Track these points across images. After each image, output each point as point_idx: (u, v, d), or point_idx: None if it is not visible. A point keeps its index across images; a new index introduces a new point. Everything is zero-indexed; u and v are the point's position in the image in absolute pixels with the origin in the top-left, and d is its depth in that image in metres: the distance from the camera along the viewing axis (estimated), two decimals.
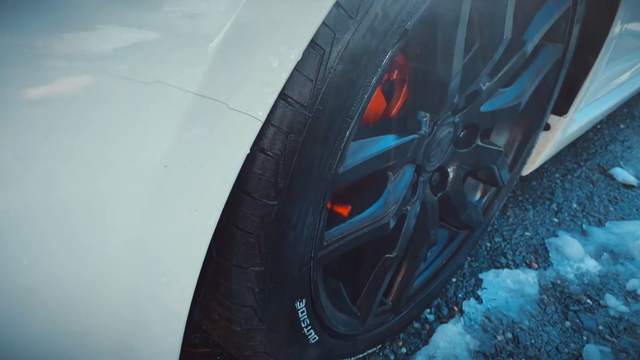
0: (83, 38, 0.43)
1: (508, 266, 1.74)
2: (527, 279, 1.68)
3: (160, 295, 0.56)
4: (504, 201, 1.59)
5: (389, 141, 0.86)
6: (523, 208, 2.09)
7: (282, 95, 0.62)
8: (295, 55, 0.52)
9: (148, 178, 0.48)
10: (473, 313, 1.52)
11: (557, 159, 2.53)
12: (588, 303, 1.63)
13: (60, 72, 0.43)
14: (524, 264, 1.77)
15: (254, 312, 0.79)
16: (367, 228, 0.95)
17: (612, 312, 1.60)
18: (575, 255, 1.83)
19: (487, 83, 1.10)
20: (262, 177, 0.66)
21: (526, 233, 1.94)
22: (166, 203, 0.51)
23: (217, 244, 0.71)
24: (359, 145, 0.81)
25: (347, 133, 0.73)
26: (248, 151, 0.54)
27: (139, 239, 0.50)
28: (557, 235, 1.94)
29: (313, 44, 0.61)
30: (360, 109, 0.73)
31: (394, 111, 1.00)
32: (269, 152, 0.65)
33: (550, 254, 1.83)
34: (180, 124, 0.47)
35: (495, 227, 1.94)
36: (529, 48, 1.12)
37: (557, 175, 2.39)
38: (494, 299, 1.58)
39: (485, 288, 1.63)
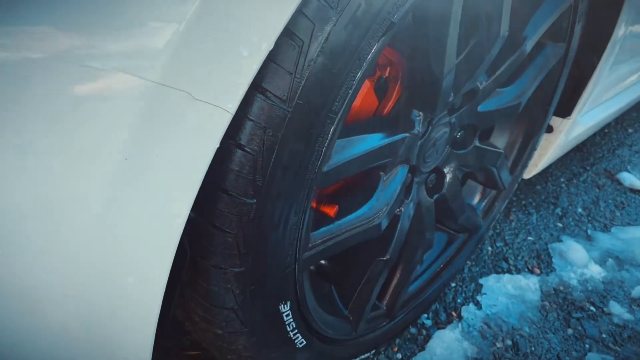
0: (36, 23, 0.41)
1: (509, 271, 1.70)
2: (528, 285, 1.64)
3: (128, 294, 0.54)
4: (505, 204, 1.56)
5: (378, 140, 0.84)
6: (526, 212, 2.04)
7: (259, 88, 0.60)
8: (267, 45, 0.50)
9: (107, 171, 0.45)
10: (472, 319, 1.48)
11: (562, 163, 2.48)
12: (591, 310, 1.58)
13: (11, 60, 0.41)
14: (526, 270, 1.73)
15: (235, 315, 0.77)
16: (357, 229, 0.92)
17: (616, 320, 1.55)
18: (579, 261, 1.79)
19: (484, 82, 1.07)
20: (240, 174, 0.63)
21: (529, 238, 1.89)
22: (130, 198, 0.48)
23: (193, 243, 0.68)
24: (346, 143, 0.79)
25: (332, 129, 0.70)
26: (218, 145, 0.51)
27: (100, 236, 0.48)
28: (560, 241, 1.90)
29: (291, 34, 0.59)
30: (345, 104, 0.70)
31: (387, 109, 0.97)
32: (246, 148, 0.62)
33: (553, 260, 1.79)
34: (141, 114, 0.45)
35: (497, 231, 1.90)
36: (528, 46, 1.09)
37: (562, 179, 2.34)
38: (494, 305, 1.55)
39: (485, 293, 1.59)
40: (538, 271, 1.72)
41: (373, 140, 0.83)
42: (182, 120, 0.48)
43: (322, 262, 1.13)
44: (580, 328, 1.51)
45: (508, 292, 1.61)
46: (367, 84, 0.90)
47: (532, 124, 1.40)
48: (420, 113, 0.96)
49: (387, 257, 1.08)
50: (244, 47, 0.48)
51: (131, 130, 0.45)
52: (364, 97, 0.91)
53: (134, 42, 0.42)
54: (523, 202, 2.11)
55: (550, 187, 2.26)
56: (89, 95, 0.42)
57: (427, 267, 1.38)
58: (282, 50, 0.59)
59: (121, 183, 0.47)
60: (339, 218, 0.89)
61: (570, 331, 1.49)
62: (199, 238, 0.68)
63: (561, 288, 1.66)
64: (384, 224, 0.98)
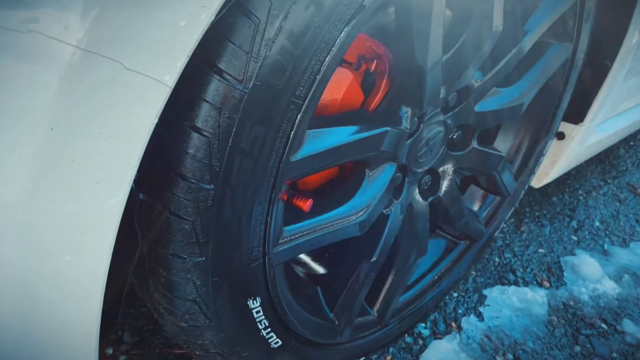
0: None
1: (516, 283, 1.63)
2: (535, 298, 1.56)
3: (65, 275, 0.52)
4: (510, 212, 1.49)
5: (355, 132, 0.80)
6: (539, 224, 1.96)
7: (214, 68, 0.58)
8: (206, 15, 0.48)
9: (33, 141, 0.44)
10: (472, 330, 1.42)
11: (581, 174, 2.39)
12: (602, 327, 1.50)
13: None
14: (535, 282, 1.65)
15: (198, 307, 0.74)
16: (336, 226, 0.89)
17: (629, 339, 1.46)
18: (593, 276, 1.70)
19: (480, 80, 1.03)
20: (195, 158, 0.61)
21: (540, 250, 1.81)
22: (59, 171, 0.47)
23: (151, 229, 0.66)
24: (320, 134, 0.76)
25: (299, 117, 0.68)
26: (156, 120, 0.49)
27: (27, 210, 0.46)
28: (574, 254, 1.81)
29: (247, 12, 0.57)
30: (312, 91, 0.67)
31: (374, 104, 0.94)
32: (200, 130, 0.60)
33: (564, 273, 1.71)
34: (64, 82, 0.43)
35: (507, 242, 1.83)
36: (527, 44, 1.04)
37: (580, 191, 2.25)
38: (497, 317, 1.48)
39: (488, 305, 1.52)
40: (547, 284, 1.65)
41: (349, 133, 0.79)
42: (114, 91, 0.46)
43: (308, 261, 1.10)
44: (588, 346, 1.43)
45: (513, 304, 1.53)
46: (350, 76, 0.88)
47: (537, 127, 1.34)
48: (408, 109, 0.93)
49: (374, 259, 1.04)
50: (181, 17, 0.46)
51: (55, 99, 0.43)
52: (347, 90, 0.88)
53: (57, 3, 0.41)
54: (536, 214, 2.03)
55: (567, 199, 2.17)
56: (6, 58, 0.40)
57: (423, 273, 1.33)
58: (238, 28, 0.57)
59: (50, 153, 0.45)
60: (315, 213, 0.86)
61: (577, 348, 1.41)
62: (156, 224, 0.66)
63: (571, 303, 1.58)
64: (367, 223, 0.95)
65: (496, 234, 1.49)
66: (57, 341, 0.59)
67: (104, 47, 0.44)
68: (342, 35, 0.66)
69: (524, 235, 1.89)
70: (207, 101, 0.59)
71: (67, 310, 0.55)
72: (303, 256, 1.10)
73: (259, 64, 0.59)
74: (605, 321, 1.52)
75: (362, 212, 0.93)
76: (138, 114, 0.48)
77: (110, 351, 1.21)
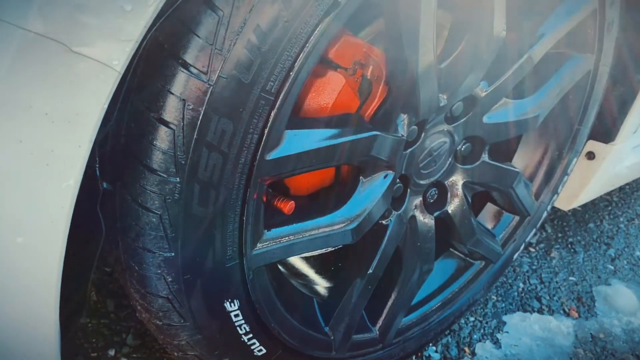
0: None
1: (540, 311, 1.53)
2: (560, 328, 1.46)
3: (17, 257, 0.53)
4: (532, 234, 1.41)
5: (339, 135, 0.78)
6: (572, 250, 1.85)
7: (178, 59, 0.59)
8: (154, 1, 0.48)
9: None
10: (487, 357, 1.34)
11: (625, 201, 2.24)
12: None
13: None
14: (561, 311, 1.55)
15: (171, 305, 0.74)
16: (324, 232, 0.87)
17: None
18: (628, 308, 1.57)
19: (486, 89, 0.99)
20: (160, 150, 0.62)
21: (571, 278, 1.70)
22: (8, 151, 0.48)
23: (122, 221, 0.67)
24: (300, 134, 0.74)
25: (272, 113, 0.67)
26: (105, 105, 0.50)
27: None
28: (609, 284, 1.69)
29: (210, 3, 0.57)
30: (286, 88, 0.66)
31: (369, 111, 0.92)
32: (165, 122, 0.61)
33: (596, 304, 1.59)
34: (8, 61, 0.44)
35: (534, 267, 1.73)
36: (537, 53, 1.00)
37: (622, 219, 2.11)
38: (515, 345, 1.39)
39: (507, 332, 1.43)
40: (575, 314, 1.54)
41: (331, 136, 0.78)
42: (59, 73, 0.47)
43: (303, 271, 1.08)
44: None
45: (534, 333, 1.44)
46: (342, 80, 0.86)
47: (559, 144, 1.28)
48: (404, 116, 0.90)
49: (371, 271, 1.00)
50: (127, 1, 0.47)
51: (1, 79, 0.45)
52: (339, 95, 0.87)
53: None
54: (570, 240, 1.91)
55: (606, 226, 2.04)
56: None
57: (433, 293, 1.27)
58: (202, 21, 0.58)
59: None
60: (302, 217, 0.84)
61: None
62: (125, 216, 0.67)
63: (601, 335, 1.47)
64: (360, 231, 0.92)
65: (515, 256, 1.41)
66: (12, 329, 0.59)
67: (49, 28, 0.45)
68: (316, 32, 0.66)
69: (554, 261, 1.78)
70: (172, 93, 0.59)
71: (21, 298, 0.56)
72: (299, 265, 1.08)
73: (223, 57, 0.59)
74: (638, 357, 1.40)
75: (353, 220, 0.90)
76: (86, 98, 0.49)
77: (112, 352, 1.22)
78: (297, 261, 1.08)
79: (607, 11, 1.08)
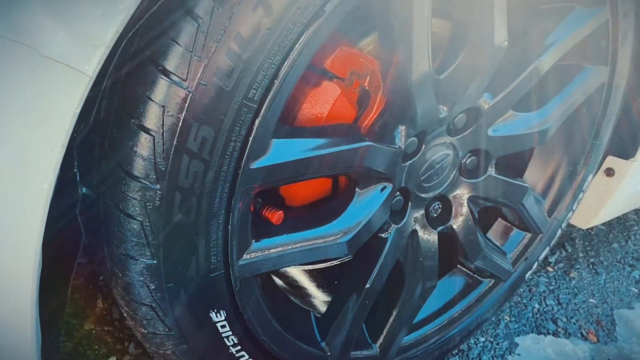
0: None
1: (556, 334, 1.47)
2: (576, 352, 1.40)
3: None
4: (545, 252, 1.36)
5: (328, 145, 0.77)
6: (593, 271, 1.77)
7: (157, 66, 0.59)
8: (125, 7, 0.48)
9: None
10: None
11: None
12: None
13: None
14: (579, 335, 1.48)
15: (155, 314, 0.73)
16: (317, 244, 0.85)
17: None
18: None
19: (489, 101, 0.97)
20: (140, 156, 0.62)
21: (591, 300, 1.63)
22: None
23: (106, 227, 0.67)
24: (287, 143, 0.73)
25: (256, 122, 0.67)
26: (77, 109, 0.50)
27: None
28: (632, 308, 1.61)
29: (189, 10, 0.58)
30: (270, 95, 0.66)
31: (367, 121, 0.91)
32: (145, 128, 0.61)
33: (616, 328, 1.52)
34: None
35: (551, 287, 1.67)
36: (544, 64, 0.97)
37: None
38: None
39: (518, 354, 1.38)
40: (594, 338, 1.47)
41: (319, 145, 0.76)
42: (29, 77, 0.47)
43: (302, 283, 1.06)
44: None
45: (547, 356, 1.38)
46: (337, 91, 0.85)
47: (573, 159, 1.23)
48: (402, 127, 0.88)
49: (368, 285, 0.98)
50: (97, 7, 0.47)
51: None
52: (334, 105, 0.86)
53: None
54: (591, 260, 1.83)
55: (632, 246, 1.95)
56: None
57: (438, 310, 1.23)
58: (181, 27, 0.58)
59: None
60: (293, 227, 0.83)
61: None
62: (108, 222, 0.67)
63: None
64: (355, 244, 0.90)
65: (528, 275, 1.36)
66: None
67: (19, 32, 0.46)
68: (301, 40, 0.65)
69: (574, 282, 1.71)
70: (151, 99, 0.60)
71: None
72: (297, 277, 1.07)
73: (203, 64, 0.59)
74: None
75: (348, 232, 0.89)
76: (57, 102, 0.49)
77: None
78: (295, 273, 1.07)
79: (621, 21, 1.04)
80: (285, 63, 0.65)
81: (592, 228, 1.98)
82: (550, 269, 1.75)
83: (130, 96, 0.60)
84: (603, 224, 1.99)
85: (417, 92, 0.82)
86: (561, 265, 1.79)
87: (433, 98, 0.86)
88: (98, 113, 0.59)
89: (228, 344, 0.82)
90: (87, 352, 1.25)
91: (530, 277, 1.72)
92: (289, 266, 0.85)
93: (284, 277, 1.05)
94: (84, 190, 0.62)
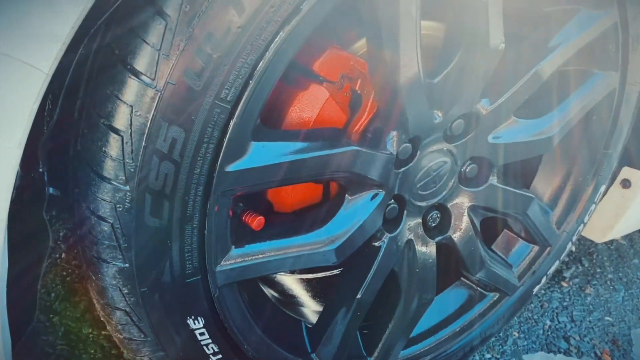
0: None
1: (567, 353, 1.40)
2: None
3: None
4: (554, 266, 1.30)
5: (311, 149, 0.75)
6: (611, 287, 1.69)
7: (125, 64, 0.58)
8: (81, 2, 0.47)
9: None
10: None
11: None
12: None
13: None
14: (592, 354, 1.41)
15: (130, 319, 0.72)
16: (301, 251, 0.83)
17: None
18: None
19: (488, 107, 0.93)
20: (109, 156, 0.61)
21: (607, 318, 1.55)
22: None
23: (77, 229, 0.66)
24: (266, 147, 0.71)
25: (231, 123, 0.65)
26: (35, 106, 0.49)
27: None
28: None
29: (158, 8, 0.56)
30: (245, 96, 0.64)
31: (358, 126, 0.88)
32: (114, 128, 0.60)
33: (633, 348, 1.44)
34: None
35: (565, 304, 1.60)
36: (546, 69, 0.92)
37: None
38: None
39: None
40: (608, 358, 1.39)
41: (301, 149, 0.74)
42: None
43: (293, 292, 1.04)
44: None
45: None
46: (325, 94, 0.83)
47: (583, 169, 1.17)
48: (394, 132, 0.86)
49: (360, 295, 0.95)
50: (52, 2, 0.46)
51: None
52: (322, 109, 0.84)
53: None
54: (609, 276, 1.75)
55: None
56: None
57: (438, 324, 1.19)
58: (149, 26, 0.57)
59: None
60: (277, 233, 0.81)
61: None
62: (81, 224, 0.66)
63: None
64: (344, 251, 0.87)
65: (536, 289, 1.30)
66: None
67: None
68: (277, 40, 0.63)
69: (589, 298, 1.64)
70: (119, 99, 0.59)
71: None
72: (288, 285, 1.04)
73: (172, 63, 0.58)
74: None
75: (336, 240, 0.86)
76: (13, 99, 0.49)
77: None
78: (286, 282, 1.04)
79: (631, 25, 0.99)
80: (261, 63, 0.63)
81: (611, 242, 1.90)
82: (564, 284, 1.68)
83: (99, 95, 0.59)
84: (624, 239, 1.90)
85: (406, 96, 0.79)
86: (576, 280, 1.71)
87: (425, 102, 0.83)
88: (63, 111, 0.58)
89: (208, 352, 0.80)
90: (83, 356, 1.24)
91: (543, 292, 1.66)
92: (273, 274, 0.83)
93: (274, 285, 1.03)
94: (50, 190, 0.61)
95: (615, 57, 1.03)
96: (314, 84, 0.83)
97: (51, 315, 1.32)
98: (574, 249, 1.84)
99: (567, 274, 1.72)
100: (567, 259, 1.79)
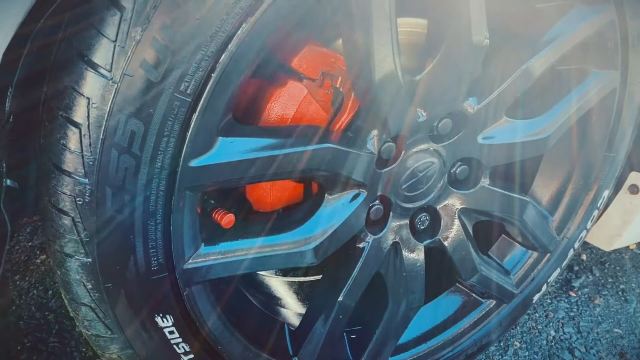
0: None
1: None
2: None
3: None
4: (555, 274, 1.25)
5: (280, 146, 0.73)
6: (622, 298, 1.62)
7: (82, 56, 0.57)
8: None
9: None
10: None
11: None
12: None
13: None
14: None
15: (95, 315, 0.71)
16: (277, 250, 0.81)
17: None
18: None
19: (476, 106, 0.90)
20: (68, 149, 0.60)
21: (616, 330, 1.49)
22: None
23: (43, 222, 0.66)
24: (235, 142, 0.70)
25: (193, 117, 0.64)
26: None
27: None
28: None
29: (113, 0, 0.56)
30: (209, 90, 0.63)
31: (339, 124, 0.87)
32: (72, 120, 0.59)
33: None
34: None
35: (572, 314, 1.53)
36: (536, 67, 0.89)
37: None
38: None
39: None
40: None
41: (269, 145, 0.72)
42: None
43: (276, 293, 1.02)
44: None
45: None
46: (303, 91, 0.82)
47: (582, 173, 1.13)
48: (374, 131, 0.83)
49: (341, 298, 0.92)
50: None
51: None
52: (300, 106, 0.82)
53: None
54: (621, 287, 1.68)
55: None
56: None
57: (430, 331, 1.15)
58: (104, 16, 0.56)
59: None
60: (251, 231, 0.79)
61: None
62: (45, 217, 0.66)
63: None
64: (323, 251, 0.85)
65: (536, 298, 1.25)
66: None
67: None
68: (239, 32, 0.62)
69: (598, 309, 1.57)
70: (76, 91, 0.58)
71: None
72: (272, 286, 1.03)
73: (128, 55, 0.57)
74: None
75: (314, 239, 0.84)
76: None
77: None
78: (268, 282, 1.03)
79: (629, 23, 0.95)
80: (223, 56, 0.62)
81: (625, 251, 1.83)
82: (572, 293, 1.62)
83: (57, 87, 0.59)
84: (636, 247, 1.82)
85: (382, 94, 0.77)
86: (586, 290, 1.65)
87: (405, 100, 0.81)
88: (22, 104, 0.58)
89: (179, 351, 0.79)
90: (74, 354, 1.25)
91: (549, 301, 1.60)
92: (247, 273, 0.81)
93: (255, 285, 1.01)
94: (8, 182, 0.61)
95: (614, 55, 0.99)
96: (292, 81, 0.82)
97: (46, 313, 1.34)
98: (584, 257, 1.78)
99: (576, 284, 1.66)
100: (577, 268, 1.73)
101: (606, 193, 1.18)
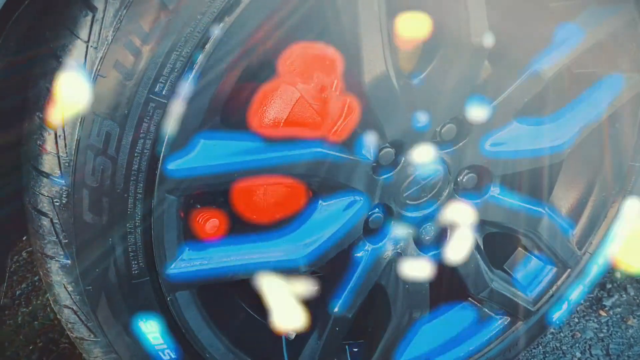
0: None
1: None
2: None
3: None
4: (578, 292, 1.16)
5: (265, 150, 0.71)
6: None
7: (56, 56, 0.58)
8: None
9: None
10: None
11: None
12: None
13: None
14: None
15: (77, 317, 0.71)
16: (267, 257, 0.79)
17: None
18: None
19: (481, 110, 0.85)
20: (44, 150, 0.60)
21: None
22: None
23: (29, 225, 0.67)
24: (216, 145, 0.69)
25: (170, 119, 0.63)
26: None
27: None
28: None
29: (85, 0, 0.56)
30: (187, 91, 0.62)
31: (335, 129, 0.84)
32: (47, 121, 0.59)
33: None
34: None
35: (601, 335, 1.44)
36: (546, 71, 0.84)
37: None
38: None
39: None
40: None
41: (253, 149, 0.70)
42: None
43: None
44: None
45: None
46: (296, 94, 0.80)
47: (605, 183, 1.05)
48: (369, 136, 0.80)
49: (336, 309, 0.89)
50: None
51: None
52: (292, 110, 0.80)
53: None
54: None
55: None
56: None
57: (440, 347, 1.10)
58: (76, 16, 0.56)
59: None
60: (240, 236, 0.77)
61: None
62: (27, 219, 0.66)
63: None
64: (316, 259, 0.82)
65: (557, 317, 1.17)
66: None
67: None
68: (216, 32, 0.61)
69: (631, 331, 1.46)
70: (48, 88, 0.58)
71: None
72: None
73: (99, 55, 0.57)
74: None
75: (306, 247, 0.81)
76: None
77: None
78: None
79: None
80: (200, 57, 0.61)
81: None
82: (603, 313, 1.52)
83: (34, 88, 0.60)
84: None
85: (374, 97, 0.74)
86: (618, 310, 1.54)
87: (400, 104, 0.78)
88: None
89: (164, 357, 0.77)
90: (82, 356, 1.26)
91: (577, 321, 1.50)
92: (239, 278, 0.79)
93: (251, 293, 0.99)
94: None
95: (636, 57, 0.92)
96: (285, 84, 0.80)
97: None
98: (618, 274, 1.67)
99: (607, 303, 1.56)
100: (609, 286, 1.62)
101: (633, 205, 1.10)
